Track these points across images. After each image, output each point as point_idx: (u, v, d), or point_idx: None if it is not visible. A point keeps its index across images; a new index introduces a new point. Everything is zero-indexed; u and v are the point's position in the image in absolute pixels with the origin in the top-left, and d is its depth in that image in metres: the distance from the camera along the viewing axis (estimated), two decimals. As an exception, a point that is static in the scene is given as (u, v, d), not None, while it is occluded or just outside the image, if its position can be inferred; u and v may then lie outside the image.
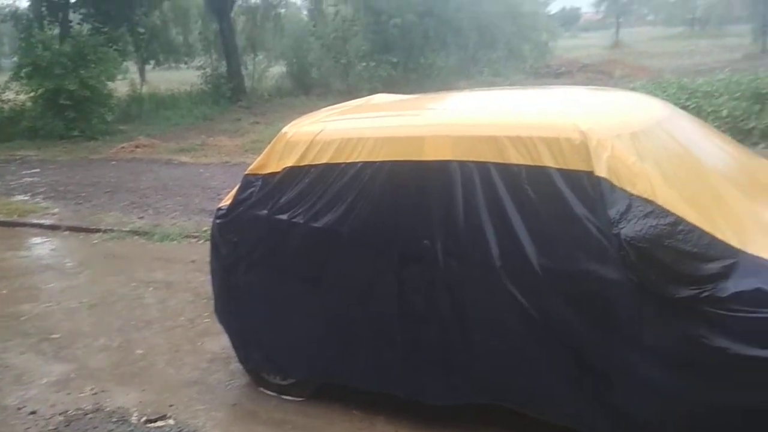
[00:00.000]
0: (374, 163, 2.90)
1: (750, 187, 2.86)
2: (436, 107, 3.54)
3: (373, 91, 5.00)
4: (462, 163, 2.71)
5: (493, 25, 20.92)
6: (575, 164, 2.50)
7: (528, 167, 2.58)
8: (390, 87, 14.97)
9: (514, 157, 2.61)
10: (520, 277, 2.56)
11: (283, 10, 23.68)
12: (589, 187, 2.46)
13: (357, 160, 2.95)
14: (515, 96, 3.72)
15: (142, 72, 28.98)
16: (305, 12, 24.01)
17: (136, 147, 12.91)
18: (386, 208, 2.90)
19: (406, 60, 18.80)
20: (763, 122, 9.55)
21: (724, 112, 9.87)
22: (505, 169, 2.62)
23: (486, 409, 2.94)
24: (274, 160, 3.23)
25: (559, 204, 2.50)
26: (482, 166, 2.67)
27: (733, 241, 2.34)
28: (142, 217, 7.70)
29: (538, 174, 2.56)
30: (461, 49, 20.45)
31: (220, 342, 4.03)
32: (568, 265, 2.48)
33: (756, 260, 2.29)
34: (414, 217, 2.83)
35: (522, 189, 2.58)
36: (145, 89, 22.95)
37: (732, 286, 2.24)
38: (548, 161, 2.55)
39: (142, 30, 21.17)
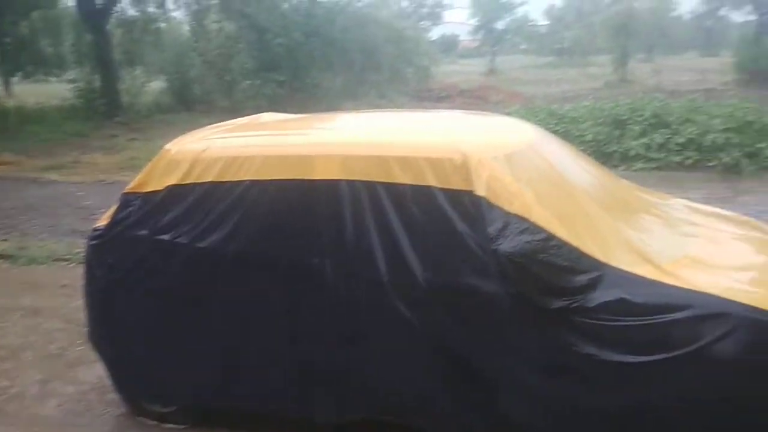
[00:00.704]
0: (262, 181, 2.89)
1: (612, 205, 3.11)
2: (325, 127, 3.58)
3: (258, 109, 4.96)
4: (350, 183, 2.76)
5: (378, 48, 21.40)
6: (457, 184, 2.62)
7: (413, 186, 2.67)
8: (276, 106, 14.85)
9: (401, 177, 2.70)
10: (406, 292, 2.63)
11: (163, 24, 22.85)
12: (470, 206, 2.58)
13: (244, 179, 2.92)
14: (401, 118, 3.84)
15: (7, 84, 26.89)
16: (187, 27, 23.28)
17: (0, 164, 11.94)
18: (275, 227, 2.88)
19: (292, 79, 18.75)
20: (623, 146, 10.43)
21: (589, 137, 10.70)
22: (392, 188, 2.70)
23: (377, 426, 2.97)
24: (156, 177, 3.11)
25: (442, 221, 2.61)
26: (370, 186, 2.73)
27: (599, 255, 2.54)
28: (5, 240, 7.10)
29: (423, 193, 2.66)
30: (347, 70, 20.72)
31: (95, 371, 3.80)
32: (451, 279, 2.58)
33: (618, 272, 2.50)
34: (303, 236, 2.83)
35: (408, 207, 2.67)
36: (11, 103, 21.28)
37: (598, 296, 2.43)
38: (432, 181, 2.65)
39: (7, 40, 19.65)
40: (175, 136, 3.40)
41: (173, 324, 3.13)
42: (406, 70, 22.70)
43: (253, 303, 2.95)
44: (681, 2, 48.10)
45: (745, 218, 3.77)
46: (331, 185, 2.78)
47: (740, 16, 45.64)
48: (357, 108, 16.17)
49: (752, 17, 40.91)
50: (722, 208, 4.40)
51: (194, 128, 3.65)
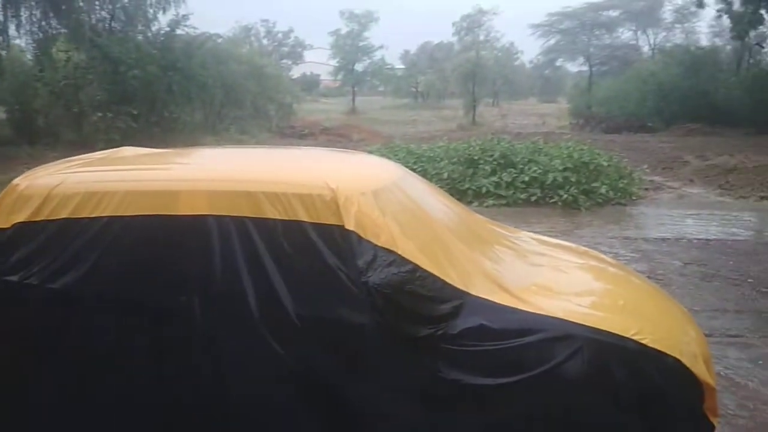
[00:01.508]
0: (123, 217, 2.76)
1: (470, 239, 3.33)
2: (191, 162, 3.51)
3: (110, 143, 4.75)
4: (219, 218, 2.72)
5: (239, 84, 21.24)
6: (327, 218, 2.68)
7: (284, 221, 2.69)
8: (130, 140, 14.11)
9: (271, 212, 2.71)
10: (278, 328, 2.62)
11: (3, 52, 21.07)
12: (340, 240, 2.65)
13: (103, 215, 2.77)
14: (269, 154, 3.85)
15: None
16: (29, 56, 21.60)
17: None
18: (137, 264, 2.76)
19: (147, 113, 18.01)
20: (476, 184, 11.13)
21: (445, 175, 11.30)
22: (262, 224, 2.70)
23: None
24: (2, 215, 2.87)
25: (313, 256, 2.65)
26: (239, 221, 2.71)
27: (460, 285, 2.70)
28: None
29: (294, 228, 2.68)
30: (207, 105, 20.32)
31: None
32: (323, 312, 2.62)
33: (478, 300, 2.67)
34: (169, 274, 2.74)
35: (278, 242, 2.68)
36: None
37: (460, 323, 2.58)
38: (302, 216, 2.69)
39: None
40: (15, 171, 3.17)
41: (20, 372, 2.87)
42: (268, 107, 22.71)
43: (113, 346, 2.79)
44: (523, 52, 52.55)
45: (584, 249, 4.19)
46: (198, 221, 2.73)
47: (574, 67, 50.70)
48: (217, 143, 15.86)
49: (585, 68, 45.66)
50: (564, 240, 4.86)
51: (38, 163, 3.43)
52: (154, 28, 20.86)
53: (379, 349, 2.60)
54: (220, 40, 23.42)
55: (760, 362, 4.59)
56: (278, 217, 2.70)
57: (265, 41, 51.21)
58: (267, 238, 2.69)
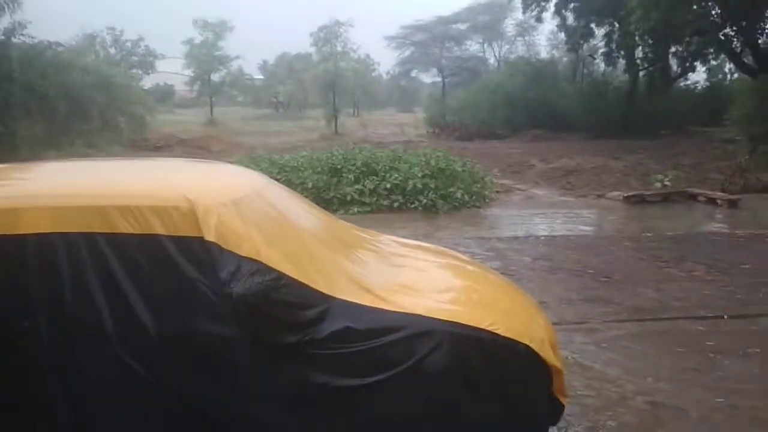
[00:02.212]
0: None
1: (334, 244, 3.38)
2: (32, 177, 3.26)
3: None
4: (65, 235, 2.56)
5: (84, 95, 19.87)
6: (185, 231, 2.61)
7: (139, 236, 2.58)
8: (-42, 157, 12.80)
9: (124, 227, 2.59)
10: (136, 346, 2.51)
11: None
12: (200, 252, 2.59)
13: None
14: (119, 166, 3.66)
15: None
16: None
17: None
18: None
19: (-21, 127, 16.38)
20: (340, 192, 11.27)
21: (310, 184, 11.33)
22: (115, 239, 2.58)
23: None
24: None
25: (172, 270, 2.57)
26: (89, 237, 2.56)
27: (325, 290, 2.74)
28: None
29: (150, 242, 2.59)
30: (49, 118, 18.79)
31: None
32: (185, 327, 2.54)
33: (343, 303, 2.73)
34: (8, 298, 2.52)
35: (133, 258, 2.57)
36: None
37: (327, 327, 2.61)
38: (159, 229, 2.60)
39: None
40: None
41: None
42: (118, 119, 21.46)
43: None
44: (379, 63, 53.92)
45: (442, 249, 4.40)
46: (42, 239, 2.55)
47: (428, 78, 52.86)
48: (63, 158, 14.74)
49: (438, 79, 47.76)
50: (425, 242, 5.07)
51: None
52: (-15, 37, 19.07)
53: (247, 360, 2.57)
54: (61, 49, 21.81)
55: (604, 345, 5.04)
56: (132, 231, 2.59)
57: (112, 50, 48.33)
58: (121, 255, 2.57)
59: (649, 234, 9.36)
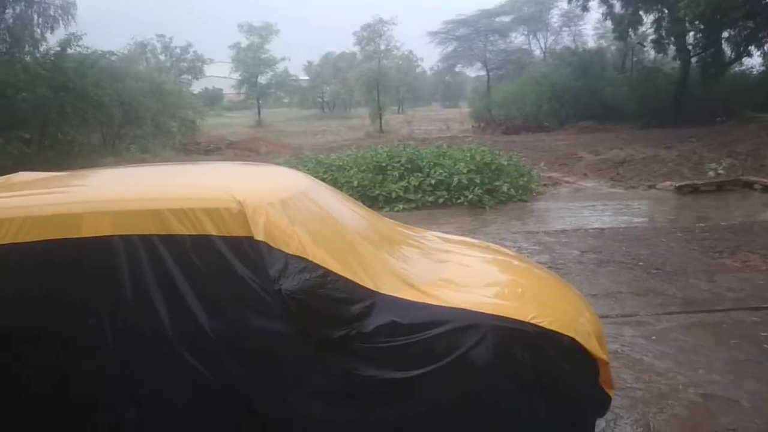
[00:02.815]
0: (24, 244, 2.69)
1: (378, 241, 3.45)
2: (92, 183, 3.45)
3: (2, 170, 4.50)
4: (125, 238, 2.71)
5: (137, 102, 20.53)
6: (236, 231, 2.73)
7: (192, 237, 2.71)
8: (23, 165, 13.39)
9: (178, 229, 2.72)
10: (193, 343, 2.63)
11: None
12: (250, 251, 2.70)
13: (2, 243, 2.69)
14: (172, 171, 3.83)
15: None
16: None
17: None
18: (40, 291, 2.69)
19: (40, 136, 17.09)
20: (385, 189, 11.36)
21: (355, 182, 11.46)
22: (170, 241, 2.71)
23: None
24: None
25: (224, 269, 2.69)
26: (146, 239, 2.71)
27: (370, 285, 2.81)
28: None
29: (203, 242, 2.71)
30: (105, 125, 19.50)
31: None
32: (237, 324, 2.66)
33: (388, 298, 2.80)
34: (75, 298, 2.69)
35: (188, 258, 2.70)
36: None
37: (372, 322, 2.69)
38: (211, 230, 2.72)
39: None
40: None
41: None
42: (170, 124, 22.07)
43: (15, 379, 2.70)
44: (423, 59, 53.85)
45: (487, 244, 4.43)
46: (104, 242, 2.70)
47: (473, 72, 52.44)
48: (118, 164, 15.31)
49: (482, 73, 47.34)
50: (471, 237, 5.10)
51: None
52: (42, 49, 19.93)
53: (297, 355, 2.67)
54: (114, 58, 22.54)
55: (653, 338, 4.96)
56: (186, 232, 2.72)
57: (162, 57, 49.77)
58: (176, 255, 2.70)
59: (702, 224, 9.11)
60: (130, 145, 19.74)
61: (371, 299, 2.75)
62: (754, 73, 32.17)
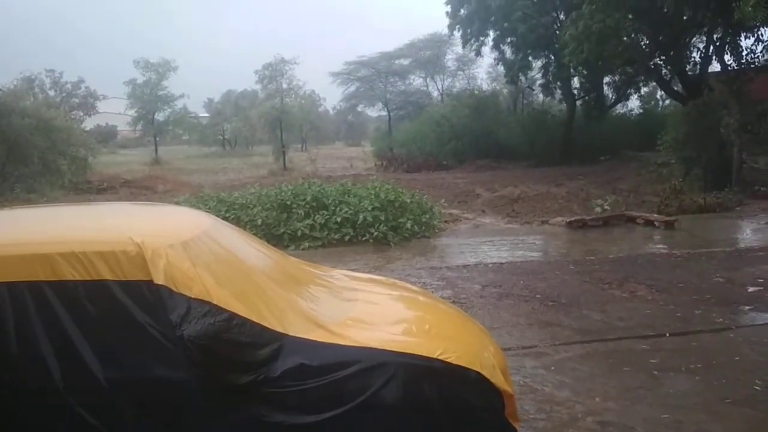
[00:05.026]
0: None
1: (285, 281, 3.40)
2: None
3: None
4: (10, 285, 2.51)
5: (23, 138, 19.30)
6: (134, 274, 2.60)
7: (86, 282, 2.56)
8: None
9: (70, 274, 2.56)
10: (87, 395, 2.46)
11: None
12: (149, 295, 2.58)
13: None
14: (62, 212, 3.61)
15: None
16: None
17: None
18: None
19: None
20: (290, 228, 11.25)
21: (259, 221, 11.27)
22: (61, 287, 2.54)
23: None
24: None
25: (121, 315, 2.55)
26: (34, 286, 2.53)
27: (278, 327, 2.76)
28: None
29: (97, 288, 2.57)
30: (-15, 163, 18.16)
31: None
32: (137, 374, 2.51)
33: (297, 340, 2.75)
34: None
35: (81, 305, 2.54)
36: None
37: (281, 365, 2.63)
38: (106, 274, 2.58)
39: None
40: None
41: None
42: (60, 162, 20.84)
43: None
44: (325, 99, 54.42)
45: (393, 281, 4.47)
46: None
47: (374, 112, 53.46)
48: (1, 205, 14.25)
49: (383, 113, 48.37)
50: (377, 274, 5.13)
51: None
52: None
53: (201, 404, 2.56)
54: (-2, 92, 21.22)
55: (553, 368, 5.16)
56: (78, 278, 2.56)
57: (52, 92, 47.20)
58: (68, 302, 2.54)
59: (592, 257, 9.67)
60: (15, 185, 18.45)
61: (279, 342, 2.69)
62: (633, 115, 34.99)
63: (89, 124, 47.13)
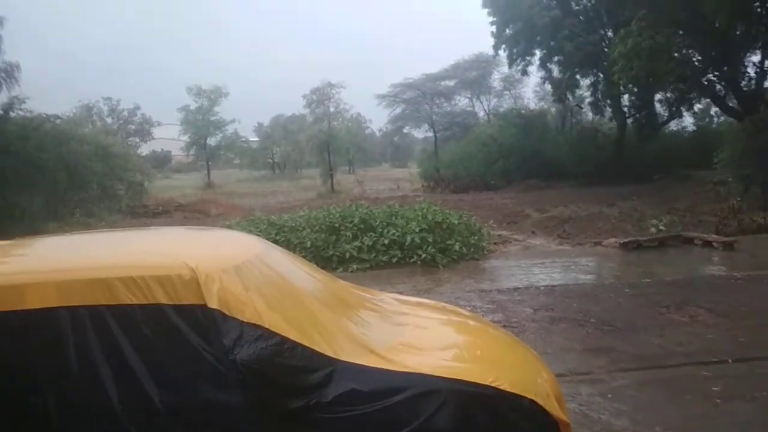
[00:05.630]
0: None
1: (335, 305, 3.41)
2: (36, 252, 3.31)
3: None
4: (71, 309, 2.59)
5: (82, 165, 20.11)
6: (188, 299, 2.64)
7: (142, 306, 2.62)
8: (-43, 232, 12.86)
9: (128, 298, 2.62)
10: (143, 417, 2.50)
11: None
12: (203, 319, 2.61)
13: None
14: (120, 237, 3.72)
15: None
16: None
17: None
18: None
19: (-23, 202, 16.51)
20: (339, 250, 11.30)
21: (308, 243, 11.37)
22: (119, 311, 2.60)
23: None
24: None
25: (176, 339, 2.58)
26: (94, 310, 2.59)
27: (329, 352, 2.75)
28: None
29: (153, 312, 2.61)
30: (48, 189, 18.94)
31: None
32: (190, 397, 2.54)
33: (348, 365, 2.73)
34: (16, 374, 2.53)
35: (138, 328, 2.59)
36: None
37: (332, 390, 2.62)
38: (162, 298, 2.63)
39: None
40: None
41: None
42: (117, 187, 21.64)
43: None
44: (371, 121, 54.92)
45: (443, 304, 4.43)
46: (49, 314, 2.57)
47: (420, 133, 53.68)
48: (62, 229, 14.83)
49: (430, 134, 48.54)
50: (426, 298, 5.09)
51: None
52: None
53: (253, 428, 2.56)
54: (59, 121, 22.21)
55: (610, 396, 4.99)
56: (136, 302, 2.62)
57: (109, 120, 49.27)
58: (126, 326, 2.59)
59: (648, 280, 9.37)
60: (75, 210, 19.20)
61: (330, 367, 2.68)
62: (687, 132, 34.05)
63: (145, 149, 48.95)
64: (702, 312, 7.22)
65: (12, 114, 18.93)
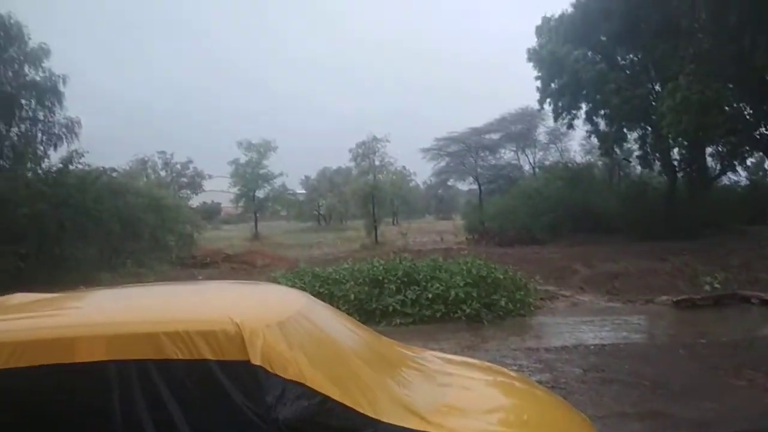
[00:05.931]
0: (15, 369, 2.60)
1: (377, 363, 3.37)
2: (87, 305, 3.40)
3: (-3, 287, 4.48)
4: (118, 363, 2.63)
5: (136, 217, 20.79)
6: (232, 354, 2.65)
7: (187, 362, 2.64)
8: (18, 281, 13.39)
9: (173, 353, 2.65)
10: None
11: None
12: (246, 376, 2.62)
13: None
14: (168, 291, 3.80)
15: None
16: None
17: None
18: (31, 418, 2.58)
19: (37, 251, 17.11)
20: (382, 303, 11.24)
21: (352, 296, 11.36)
22: (165, 366, 2.63)
23: None
24: None
25: (220, 395, 2.59)
26: (140, 364, 2.63)
27: (371, 413, 2.71)
28: None
29: (198, 367, 2.63)
30: (103, 240, 19.59)
31: None
32: (232, 455, 2.53)
33: (389, 427, 2.68)
34: (65, 425, 2.57)
35: (182, 384, 2.61)
36: None
37: (374, 452, 2.57)
38: (207, 354, 2.65)
39: None
40: None
41: None
42: (168, 238, 22.21)
43: None
44: (416, 173, 55.28)
45: (488, 364, 4.33)
46: (97, 367, 2.62)
47: (465, 186, 53.59)
48: (113, 279, 15.23)
49: (474, 186, 48.45)
50: (470, 355, 5.00)
51: None
52: (45, 165, 20.44)
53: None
54: (115, 174, 23.13)
55: (664, 462, 4.76)
56: (182, 357, 2.65)
57: (163, 173, 51.04)
58: (171, 381, 2.62)
59: (703, 340, 8.97)
60: (127, 260, 19.74)
61: (372, 428, 2.64)
62: (740, 186, 33.06)
63: (196, 201, 50.24)
64: (761, 375, 6.86)
65: (71, 167, 19.81)
